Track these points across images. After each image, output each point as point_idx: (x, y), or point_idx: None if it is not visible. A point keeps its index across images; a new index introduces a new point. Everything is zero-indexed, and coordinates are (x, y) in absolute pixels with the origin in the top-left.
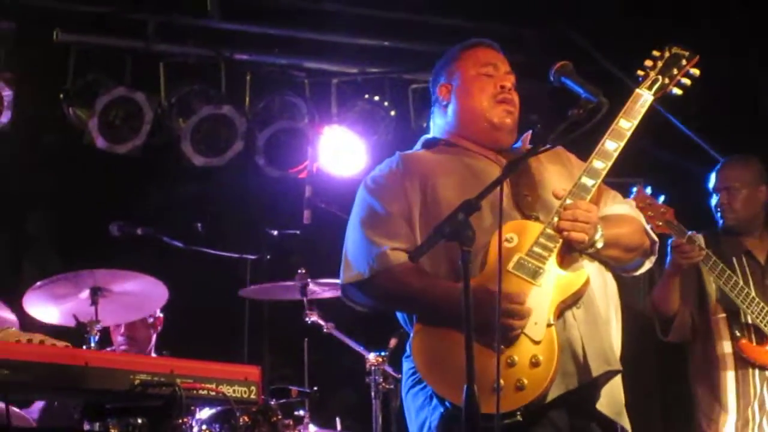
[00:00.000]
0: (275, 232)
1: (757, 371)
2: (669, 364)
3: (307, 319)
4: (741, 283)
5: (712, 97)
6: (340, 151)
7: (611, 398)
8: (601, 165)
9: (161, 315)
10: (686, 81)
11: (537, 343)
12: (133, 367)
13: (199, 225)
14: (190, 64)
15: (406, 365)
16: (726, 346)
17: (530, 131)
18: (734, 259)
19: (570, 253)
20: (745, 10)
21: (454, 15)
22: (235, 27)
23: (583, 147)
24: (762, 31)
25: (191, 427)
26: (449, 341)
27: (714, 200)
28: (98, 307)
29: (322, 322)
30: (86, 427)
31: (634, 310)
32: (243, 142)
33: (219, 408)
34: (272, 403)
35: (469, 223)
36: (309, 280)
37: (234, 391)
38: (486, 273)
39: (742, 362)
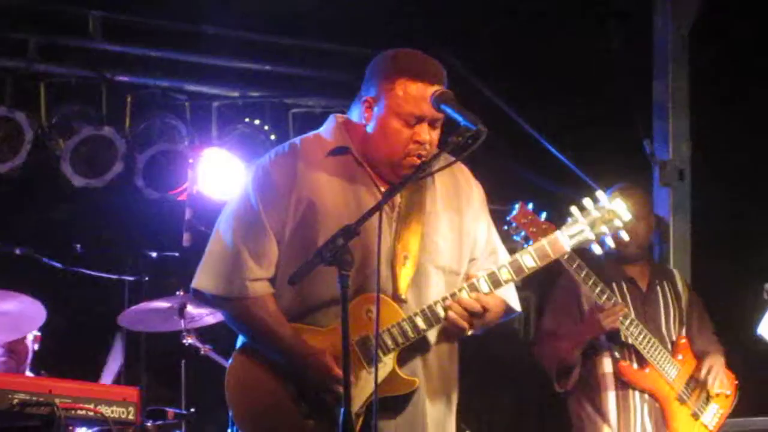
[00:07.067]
0: (154, 254)
1: (637, 393)
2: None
3: (184, 341)
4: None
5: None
6: (220, 174)
7: None
8: (486, 289)
9: (39, 333)
10: (610, 243)
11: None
12: (12, 386)
13: (77, 246)
14: (71, 84)
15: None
16: (607, 365)
17: None
18: (614, 285)
19: (411, 353)
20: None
21: (334, 40)
22: (117, 48)
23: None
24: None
25: None
26: (264, 388)
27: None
28: None
29: (199, 345)
30: None
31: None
32: (123, 163)
33: (95, 429)
34: (149, 424)
35: (348, 248)
36: (187, 301)
37: (112, 411)
38: (336, 331)
39: (623, 384)
